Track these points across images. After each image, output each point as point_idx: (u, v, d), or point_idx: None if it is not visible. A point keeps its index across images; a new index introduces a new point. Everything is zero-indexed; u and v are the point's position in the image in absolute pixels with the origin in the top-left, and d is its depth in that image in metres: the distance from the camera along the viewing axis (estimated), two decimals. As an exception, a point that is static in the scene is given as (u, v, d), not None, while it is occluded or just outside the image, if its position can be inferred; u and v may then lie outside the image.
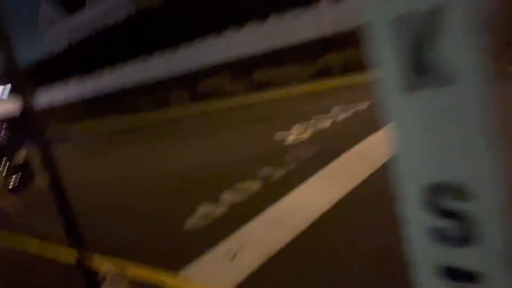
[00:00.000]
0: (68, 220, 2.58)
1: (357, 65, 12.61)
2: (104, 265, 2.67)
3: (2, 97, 35.90)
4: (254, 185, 4.84)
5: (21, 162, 7.85)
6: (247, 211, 4.08)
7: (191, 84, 17.95)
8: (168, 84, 19.32)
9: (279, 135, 7.05)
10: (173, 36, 18.87)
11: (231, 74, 16.35)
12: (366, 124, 6.26)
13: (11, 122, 21.35)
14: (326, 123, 7.11)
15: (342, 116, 7.29)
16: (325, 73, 13.54)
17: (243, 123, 9.57)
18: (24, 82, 2.46)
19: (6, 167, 7.54)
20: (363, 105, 7.65)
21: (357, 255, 2.82)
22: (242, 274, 2.94)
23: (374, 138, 5.46)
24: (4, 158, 7.64)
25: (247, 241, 3.43)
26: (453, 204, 0.81)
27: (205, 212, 4.37)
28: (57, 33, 33.10)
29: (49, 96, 28.81)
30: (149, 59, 20.75)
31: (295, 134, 6.87)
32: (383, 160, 4.48)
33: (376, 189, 3.84)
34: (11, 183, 7.54)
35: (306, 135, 6.65)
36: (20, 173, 7.68)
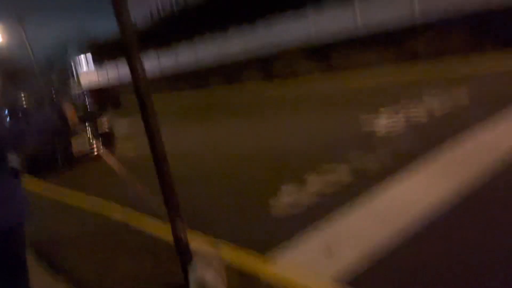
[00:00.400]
0: (167, 192, 2.45)
1: (447, 52, 11.62)
2: (194, 239, 2.52)
3: (88, 67, 38.13)
4: (345, 172, 4.51)
5: (104, 128, 8.09)
6: (339, 200, 3.78)
7: (268, 64, 17.73)
8: (244, 62, 19.27)
9: (366, 121, 6.61)
10: (251, 14, 18.69)
11: (310, 55, 15.87)
12: (468, 117, 5.65)
13: (95, 90, 22.50)
14: (420, 111, 6.55)
15: (436, 106, 6.67)
16: (412, 59, 12.66)
17: (324, 105, 9.19)
18: (135, 49, 2.31)
19: (90, 133, 7.79)
20: (459, 95, 6.96)
21: (482, 266, 2.42)
22: (340, 270, 2.67)
23: (481, 133, 4.88)
24: (88, 124, 7.90)
25: (345, 234, 3.13)
26: None
27: (291, 195, 4.13)
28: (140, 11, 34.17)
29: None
30: (225, 36, 20.80)
31: (385, 121, 6.39)
32: (493, 157, 3.96)
33: (494, 188, 3.36)
34: (97, 149, 7.80)
35: (398, 122, 6.16)
36: (103, 139, 7.91)
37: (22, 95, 8.93)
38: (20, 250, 2.06)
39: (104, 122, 8.20)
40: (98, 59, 34.23)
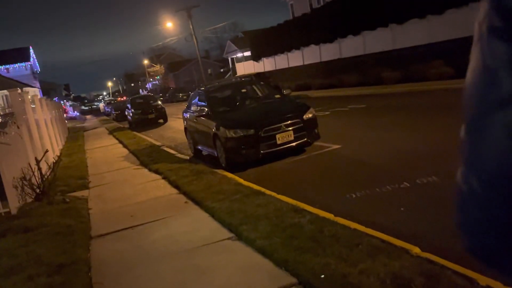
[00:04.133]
0: None
1: None
2: None
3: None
4: None
5: (307, 120, 7.18)
6: None
7: (456, 56, 15.06)
8: (424, 54, 16.82)
9: None
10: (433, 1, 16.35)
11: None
12: None
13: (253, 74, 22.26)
14: None
15: None
16: None
17: None
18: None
19: (292, 124, 7.00)
20: None
21: None
22: None
23: None
24: (289, 116, 7.11)
25: None
26: None
27: None
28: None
29: (287, 59, 29.81)
30: (397, 26, 18.73)
31: None
32: None
33: None
34: (297, 140, 7.01)
35: None
36: (303, 130, 7.05)
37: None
38: None
39: (308, 113, 7.29)
40: (256, 51, 34.75)
